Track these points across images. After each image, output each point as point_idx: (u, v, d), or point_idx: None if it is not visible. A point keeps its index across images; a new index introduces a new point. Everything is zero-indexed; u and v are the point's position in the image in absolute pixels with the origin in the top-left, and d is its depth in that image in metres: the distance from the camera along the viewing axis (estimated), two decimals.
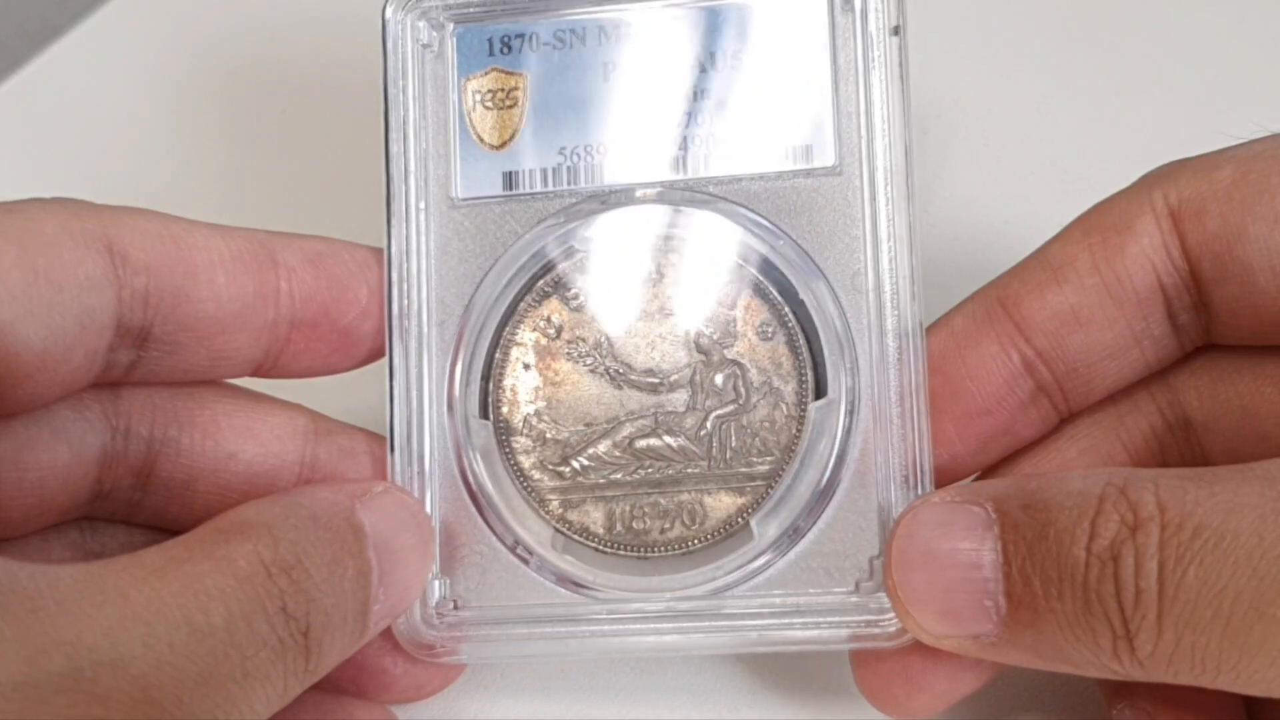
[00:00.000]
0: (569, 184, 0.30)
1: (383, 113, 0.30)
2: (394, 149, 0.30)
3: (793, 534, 0.30)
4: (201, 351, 0.30)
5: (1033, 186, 0.37)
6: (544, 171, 0.31)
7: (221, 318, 0.29)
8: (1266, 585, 0.23)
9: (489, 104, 0.31)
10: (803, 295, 0.30)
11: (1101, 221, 0.29)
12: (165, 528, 0.31)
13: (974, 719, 0.31)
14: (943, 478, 0.29)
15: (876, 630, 0.29)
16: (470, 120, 0.31)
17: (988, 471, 0.31)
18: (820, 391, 0.30)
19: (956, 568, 0.26)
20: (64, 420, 0.30)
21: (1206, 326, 0.29)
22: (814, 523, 0.30)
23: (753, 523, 0.30)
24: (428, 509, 0.30)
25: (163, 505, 0.31)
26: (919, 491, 0.29)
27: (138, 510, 0.31)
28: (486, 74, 0.31)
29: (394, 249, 0.30)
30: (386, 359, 0.30)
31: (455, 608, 0.30)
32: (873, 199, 0.30)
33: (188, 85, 0.41)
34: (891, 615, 0.29)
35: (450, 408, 0.30)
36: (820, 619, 0.29)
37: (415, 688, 0.31)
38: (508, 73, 0.31)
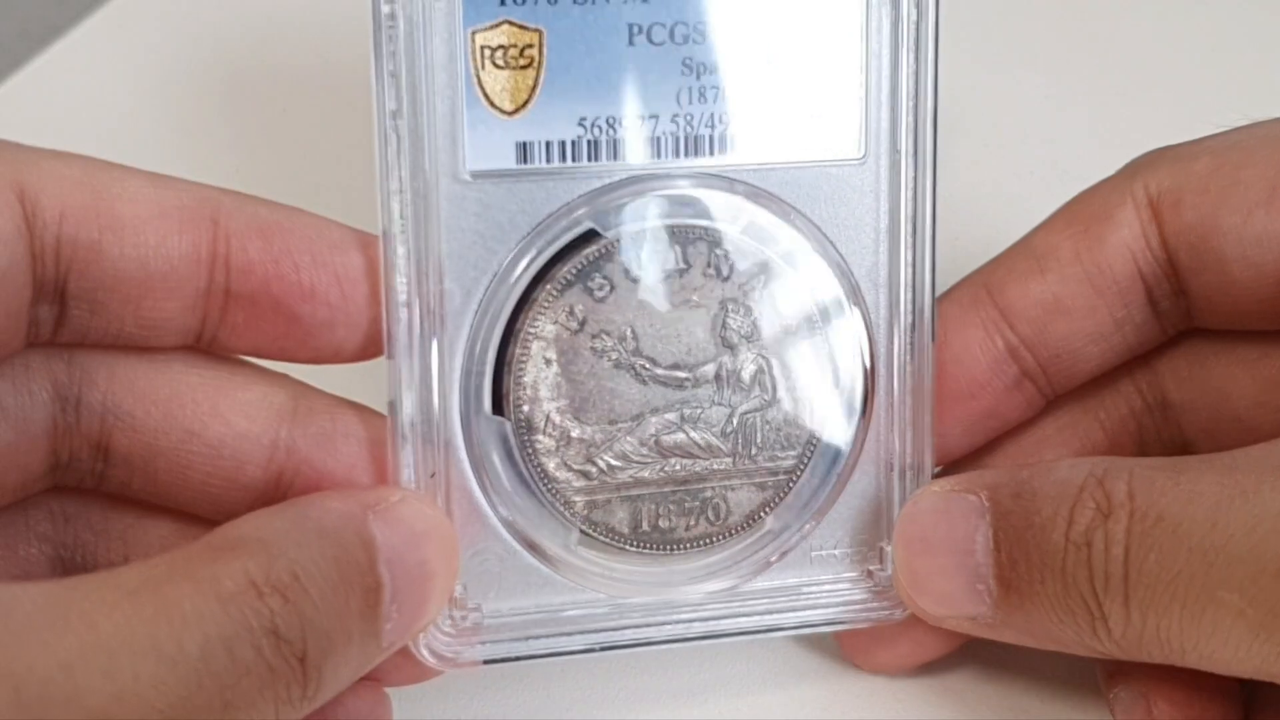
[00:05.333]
0: (590, 159, 0.27)
1: (373, 66, 0.26)
2: (387, 111, 0.26)
3: (809, 525, 0.30)
4: (127, 314, 0.26)
5: (1033, 186, 0.37)
6: (562, 145, 0.27)
7: (146, 278, 0.26)
8: (1215, 570, 0.25)
9: (500, 62, 0.27)
10: (826, 287, 0.29)
11: (1083, 211, 0.30)
12: (137, 499, 0.28)
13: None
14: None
15: (887, 613, 0.30)
16: (479, 80, 0.27)
17: (976, 454, 0.32)
18: (840, 383, 0.29)
19: (952, 554, 0.28)
20: (2, 395, 0.26)
21: (1187, 311, 0.30)
22: (830, 513, 0.30)
23: (772, 517, 0.30)
24: (444, 511, 0.28)
25: (126, 479, 0.28)
26: (924, 480, 0.30)
27: (104, 481, 0.28)
28: (497, 26, 0.27)
29: (393, 228, 0.27)
30: (386, 350, 0.27)
31: (471, 612, 0.28)
32: (896, 193, 0.29)
33: (188, 85, 0.38)
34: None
35: (463, 404, 0.28)
36: (834, 604, 0.30)
37: (413, 673, 0.30)
38: (521, 27, 0.27)
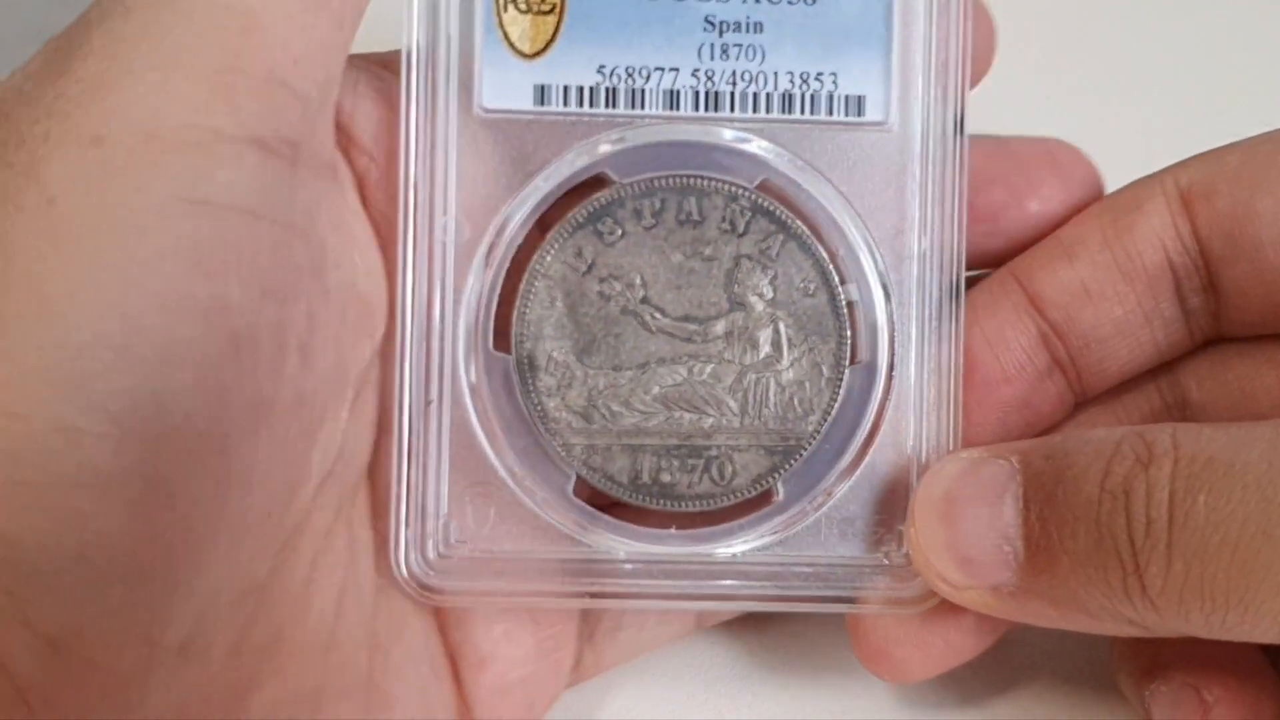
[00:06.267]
0: (607, 107, 0.28)
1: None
2: (412, 47, 0.27)
3: (821, 498, 0.29)
4: None
5: None
6: (580, 90, 0.28)
7: None
8: (1274, 509, 0.23)
9: (522, 7, 0.28)
10: (845, 253, 0.29)
11: (1113, 204, 0.30)
12: None
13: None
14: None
15: (902, 596, 0.29)
16: (500, 23, 0.28)
17: None
18: (858, 354, 0.29)
19: (978, 516, 0.27)
20: None
21: (1216, 313, 0.29)
22: (844, 488, 0.29)
23: (781, 483, 0.29)
24: (438, 441, 0.28)
25: None
26: None
27: None
28: None
29: (408, 159, 0.27)
30: (400, 282, 0.28)
31: (460, 546, 0.28)
32: (922, 159, 0.28)
33: None
34: (916, 584, 0.28)
35: (467, 338, 0.28)
36: (845, 584, 0.29)
37: None
38: None
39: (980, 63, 0.29)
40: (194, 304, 0.23)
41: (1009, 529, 0.26)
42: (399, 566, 0.27)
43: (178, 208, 0.23)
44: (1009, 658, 0.31)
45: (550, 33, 0.28)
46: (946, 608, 0.28)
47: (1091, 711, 0.30)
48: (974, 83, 0.29)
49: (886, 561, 0.29)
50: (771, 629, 0.32)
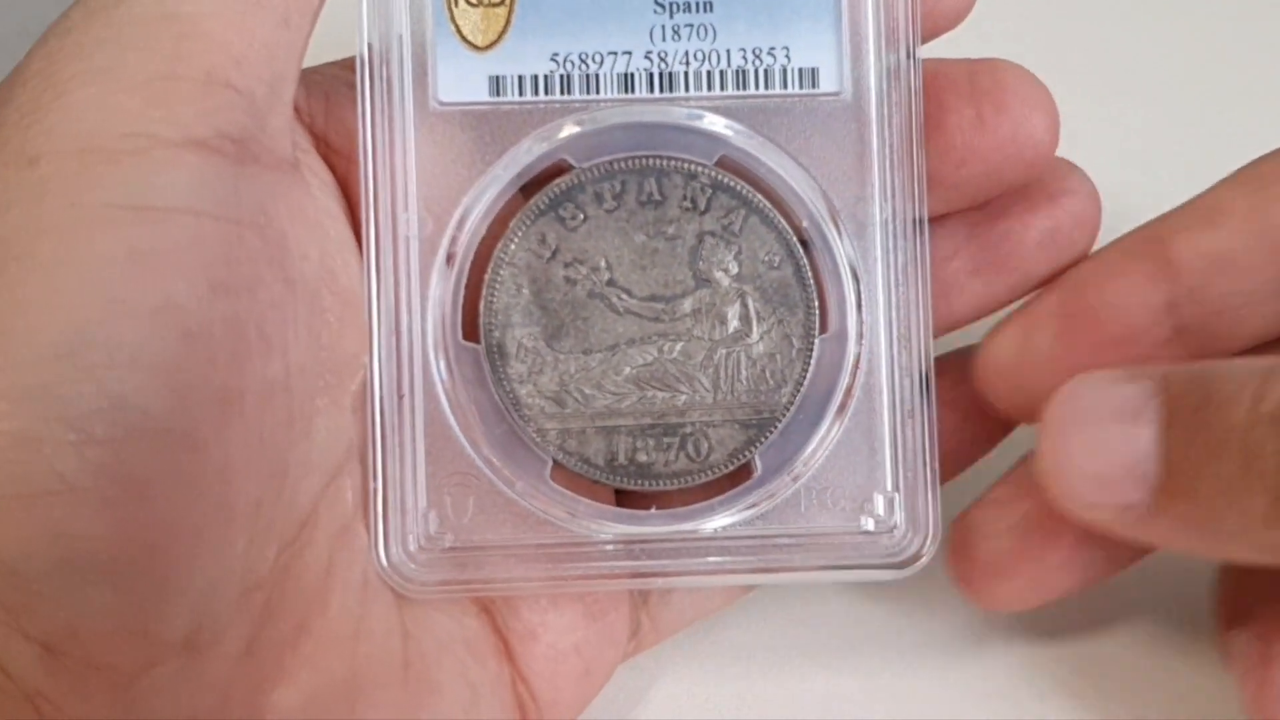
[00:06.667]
0: (562, 94, 0.28)
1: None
2: (365, 45, 0.28)
3: (800, 469, 0.29)
4: None
5: None
6: (535, 79, 0.28)
7: None
8: None
9: (473, 0, 0.28)
10: (808, 224, 0.29)
11: (1263, 170, 0.28)
12: None
13: None
14: None
15: (883, 562, 0.29)
16: (452, 16, 0.28)
17: None
18: (827, 324, 0.29)
19: (1115, 433, 0.26)
20: None
21: None
22: (821, 458, 0.29)
23: (757, 457, 0.29)
24: (412, 434, 0.28)
25: None
26: (924, 427, 0.29)
27: None
28: None
29: (368, 155, 0.27)
30: (365, 279, 0.28)
31: (440, 537, 0.28)
32: (879, 126, 0.29)
33: None
34: (900, 549, 0.29)
35: (437, 330, 0.28)
36: (826, 553, 0.29)
37: None
38: None
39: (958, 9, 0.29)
40: (140, 306, 0.23)
41: (1145, 450, 0.26)
42: (380, 560, 0.27)
43: (115, 215, 0.23)
44: (1013, 643, 0.31)
45: (502, 24, 0.28)
46: (1048, 533, 0.28)
47: (1096, 701, 0.30)
48: (945, 30, 0.29)
49: (870, 528, 0.29)
50: (773, 625, 0.32)
